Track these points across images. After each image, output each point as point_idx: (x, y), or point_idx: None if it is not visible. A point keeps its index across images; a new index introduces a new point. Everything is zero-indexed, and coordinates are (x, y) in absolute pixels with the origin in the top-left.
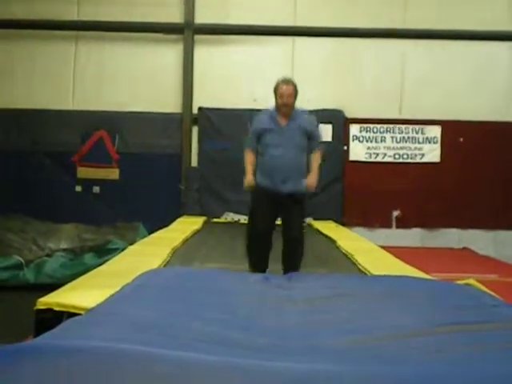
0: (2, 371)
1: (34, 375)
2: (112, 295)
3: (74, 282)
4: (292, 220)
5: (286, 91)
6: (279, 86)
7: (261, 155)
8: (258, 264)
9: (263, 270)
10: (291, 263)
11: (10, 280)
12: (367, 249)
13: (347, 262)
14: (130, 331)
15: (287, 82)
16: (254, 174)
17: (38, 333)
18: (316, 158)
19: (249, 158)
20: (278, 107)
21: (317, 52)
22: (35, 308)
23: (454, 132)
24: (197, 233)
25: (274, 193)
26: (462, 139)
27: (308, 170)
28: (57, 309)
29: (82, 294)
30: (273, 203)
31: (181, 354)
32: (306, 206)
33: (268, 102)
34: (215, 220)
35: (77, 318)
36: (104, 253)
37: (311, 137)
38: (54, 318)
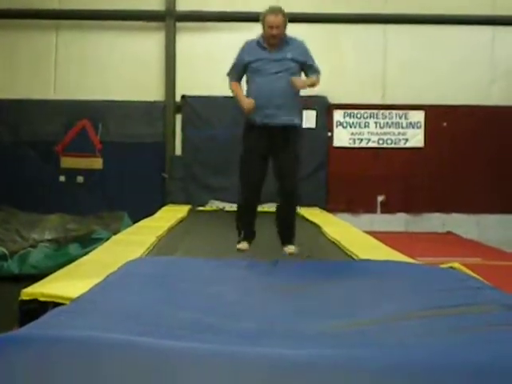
0: None
1: (19, 364)
2: (96, 284)
3: (58, 273)
4: (285, 169)
5: (274, 22)
6: (267, 17)
7: (248, 86)
8: (246, 218)
9: (250, 226)
10: (287, 219)
11: None
12: (352, 234)
13: (332, 248)
14: (115, 320)
15: (276, 11)
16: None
17: (22, 324)
18: (311, 78)
19: (236, 87)
20: (265, 37)
21: (299, 38)
22: (19, 299)
23: (438, 117)
24: (182, 221)
25: (265, 128)
26: (445, 124)
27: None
28: (42, 299)
29: (66, 284)
30: (264, 142)
31: (166, 342)
32: (300, 149)
33: None
34: (200, 208)
35: (61, 307)
36: (88, 243)
37: (305, 66)
38: (39, 308)
